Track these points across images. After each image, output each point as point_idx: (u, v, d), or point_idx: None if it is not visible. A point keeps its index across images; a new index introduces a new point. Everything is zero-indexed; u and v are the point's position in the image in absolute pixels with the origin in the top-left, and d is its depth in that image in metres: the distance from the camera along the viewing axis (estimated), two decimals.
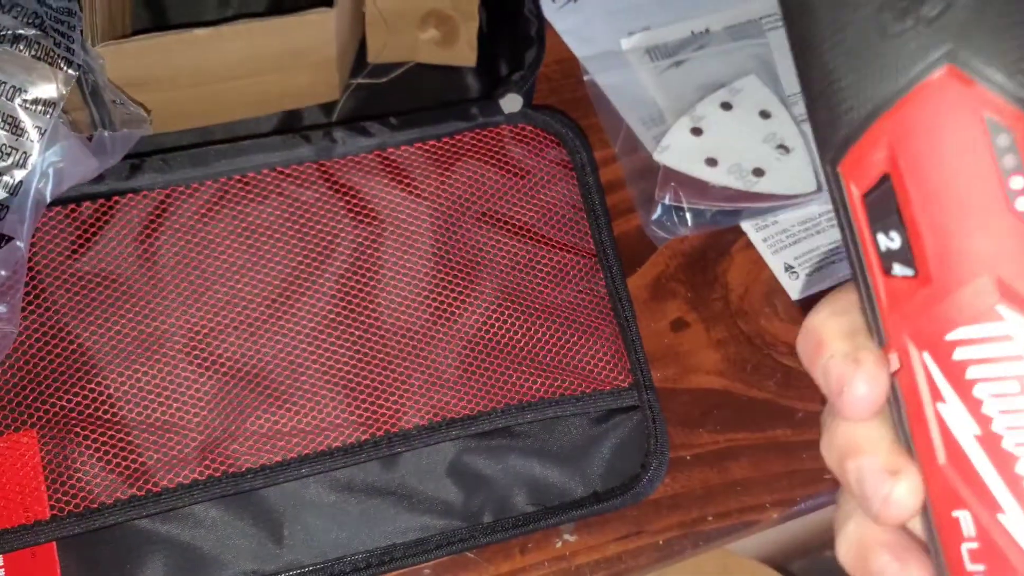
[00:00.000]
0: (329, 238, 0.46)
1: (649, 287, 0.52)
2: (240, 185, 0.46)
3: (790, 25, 0.21)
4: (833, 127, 0.20)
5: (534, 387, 0.45)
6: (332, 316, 0.45)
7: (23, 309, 0.43)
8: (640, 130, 0.55)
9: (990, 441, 0.19)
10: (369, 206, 0.47)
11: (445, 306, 0.46)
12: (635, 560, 0.46)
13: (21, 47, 0.38)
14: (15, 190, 0.39)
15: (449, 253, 0.47)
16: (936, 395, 0.20)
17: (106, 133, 0.42)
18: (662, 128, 0.54)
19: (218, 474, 0.42)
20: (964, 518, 0.20)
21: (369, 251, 0.46)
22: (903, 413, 0.21)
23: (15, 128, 0.38)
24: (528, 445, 0.45)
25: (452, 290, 0.46)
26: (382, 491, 0.44)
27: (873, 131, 0.19)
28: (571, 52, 0.57)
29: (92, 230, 0.45)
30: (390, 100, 0.54)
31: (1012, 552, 0.19)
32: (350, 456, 0.43)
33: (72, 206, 0.45)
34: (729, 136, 0.53)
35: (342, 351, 0.45)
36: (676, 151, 0.53)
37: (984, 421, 0.19)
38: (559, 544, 0.46)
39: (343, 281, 0.46)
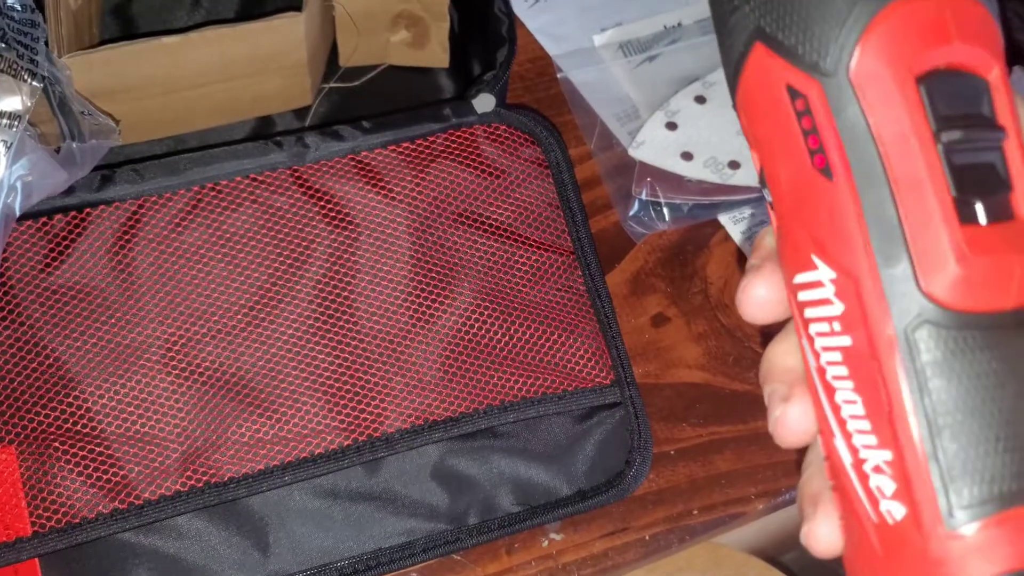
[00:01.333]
0: (305, 244, 0.46)
1: (628, 283, 0.52)
2: (213, 193, 0.46)
3: None
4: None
5: (516, 387, 0.45)
6: (311, 322, 0.45)
7: None
8: (615, 126, 0.55)
9: (821, 374, 0.22)
10: (344, 211, 0.47)
11: (424, 308, 0.46)
12: (622, 556, 0.46)
13: None
14: None
15: (426, 255, 0.47)
16: (800, 332, 0.23)
17: (75, 144, 0.41)
18: (637, 124, 0.54)
19: (201, 484, 0.42)
20: (819, 441, 0.23)
21: (346, 256, 0.46)
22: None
23: None
24: (512, 445, 0.45)
25: (430, 292, 0.46)
26: (366, 496, 0.44)
27: (737, 100, 0.22)
28: (544, 50, 0.57)
29: (65, 243, 0.44)
30: (363, 103, 0.54)
31: (840, 470, 0.22)
32: (333, 462, 0.43)
33: (43, 220, 0.44)
34: (704, 130, 0.53)
35: (322, 357, 0.44)
36: (651, 146, 0.53)
37: (816, 356, 0.22)
38: (545, 543, 0.46)
39: (320, 287, 0.45)
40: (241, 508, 0.43)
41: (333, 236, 0.46)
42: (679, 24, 0.58)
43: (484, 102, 0.49)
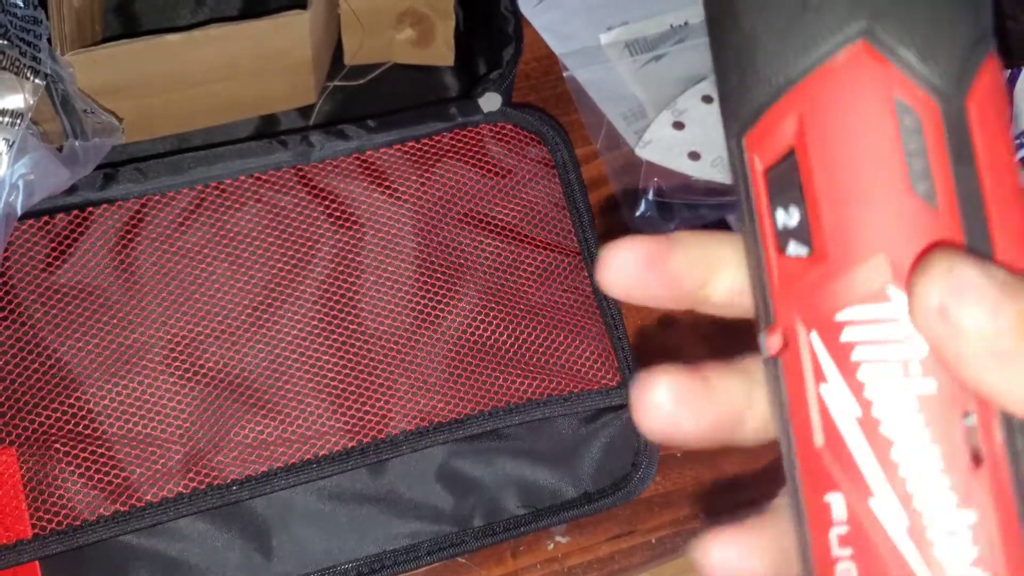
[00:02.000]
0: (309, 244, 0.45)
1: None
2: (217, 192, 0.46)
3: None
4: (743, 98, 0.20)
5: (521, 388, 0.45)
6: (315, 322, 0.44)
7: None
8: (621, 125, 0.54)
9: (869, 424, 0.19)
10: (349, 210, 0.46)
11: (429, 309, 0.45)
12: (628, 560, 0.45)
13: None
14: None
15: (431, 255, 0.46)
16: (819, 375, 0.19)
17: (77, 143, 0.41)
18: (644, 123, 0.54)
19: (203, 486, 0.42)
20: (835, 502, 0.20)
21: (350, 255, 0.46)
22: (784, 395, 0.20)
23: None
24: (517, 447, 0.45)
25: (436, 292, 0.46)
26: (371, 498, 0.43)
27: (783, 103, 0.19)
28: (550, 49, 0.57)
29: (67, 242, 0.44)
30: (368, 102, 0.54)
31: (878, 536, 0.19)
32: (337, 464, 0.43)
33: (46, 218, 0.44)
34: (711, 129, 0.53)
35: (326, 357, 0.44)
36: (658, 146, 0.53)
37: (866, 404, 0.19)
38: (551, 546, 0.45)
39: (325, 287, 0.45)
40: (244, 510, 0.42)
41: (338, 236, 0.46)
42: (686, 23, 0.58)
43: (490, 101, 0.48)
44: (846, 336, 0.19)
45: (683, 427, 0.21)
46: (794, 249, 0.19)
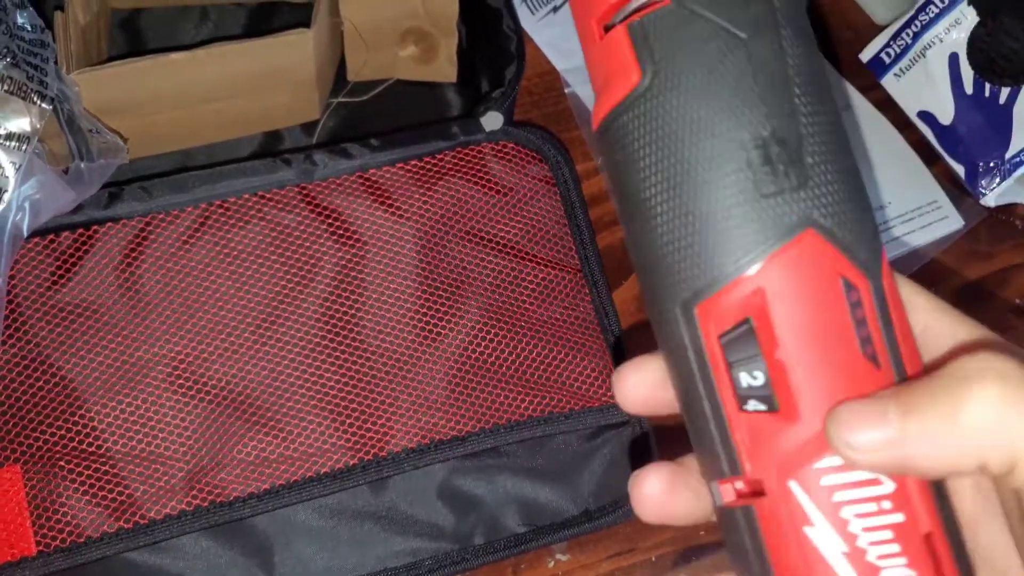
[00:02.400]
0: (312, 261, 0.46)
1: (635, 300, 0.52)
2: (221, 211, 0.46)
3: (649, 174, 0.22)
4: (694, 272, 0.21)
5: (523, 406, 0.45)
6: (317, 340, 0.45)
7: (3, 343, 0.42)
8: None
9: (856, 556, 0.21)
10: (352, 228, 0.47)
11: (431, 326, 0.46)
12: None
13: None
14: None
15: (433, 273, 0.47)
16: (804, 520, 0.21)
17: (83, 164, 0.41)
18: None
19: (206, 504, 0.42)
20: None
21: (353, 273, 0.46)
22: (760, 539, 0.22)
23: None
24: (518, 464, 0.45)
25: (438, 310, 0.46)
26: (372, 515, 0.44)
27: (744, 279, 0.21)
28: (552, 65, 0.57)
29: (71, 261, 0.44)
30: (371, 118, 0.54)
31: None
32: (339, 481, 0.43)
33: (51, 237, 0.44)
34: None
35: (328, 375, 0.44)
36: None
37: (850, 539, 0.21)
38: (551, 564, 0.45)
39: (328, 304, 0.45)
40: (246, 527, 0.43)
41: (340, 253, 0.46)
42: None
43: (492, 120, 0.48)
44: (826, 482, 0.21)
45: (676, 512, 0.24)
46: (756, 406, 0.22)
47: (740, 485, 0.22)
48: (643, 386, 0.24)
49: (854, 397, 0.21)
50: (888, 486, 0.21)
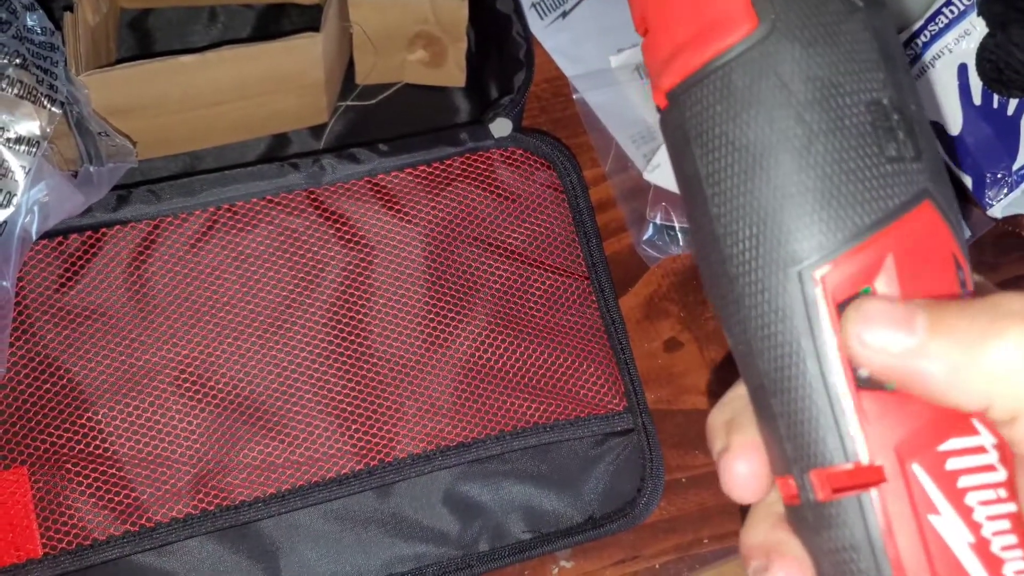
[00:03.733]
0: (320, 266, 0.46)
1: (642, 307, 0.52)
2: (229, 214, 0.46)
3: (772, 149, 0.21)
4: (818, 231, 0.20)
5: (528, 412, 0.45)
6: (324, 345, 0.45)
7: (11, 344, 0.42)
8: (630, 148, 0.55)
9: (982, 547, 0.20)
10: (360, 233, 0.47)
11: (438, 332, 0.46)
12: None
13: (3, 86, 0.38)
14: (0, 229, 0.38)
15: (441, 279, 0.47)
16: (929, 507, 0.20)
17: (92, 168, 0.41)
18: (652, 146, 0.54)
19: (212, 507, 0.42)
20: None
21: (361, 278, 0.46)
22: (873, 530, 0.20)
23: None
24: (523, 471, 0.45)
25: (444, 316, 0.46)
26: (377, 521, 0.44)
27: (867, 245, 0.20)
28: (560, 71, 0.57)
29: (80, 263, 0.44)
30: (379, 121, 0.54)
31: None
32: (345, 486, 0.43)
33: (59, 239, 0.44)
34: None
35: (335, 380, 0.44)
36: (667, 169, 0.53)
37: (975, 528, 0.20)
38: (556, 570, 0.46)
39: (335, 309, 0.45)
40: (252, 531, 0.43)
41: (348, 258, 0.46)
42: None
43: (501, 127, 0.48)
44: (952, 465, 0.20)
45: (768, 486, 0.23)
46: (873, 383, 0.20)
47: (852, 473, 0.20)
48: (756, 477, 0.23)
49: None
50: (1002, 473, 0.20)
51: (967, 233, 0.54)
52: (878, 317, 0.20)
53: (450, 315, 0.46)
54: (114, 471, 0.42)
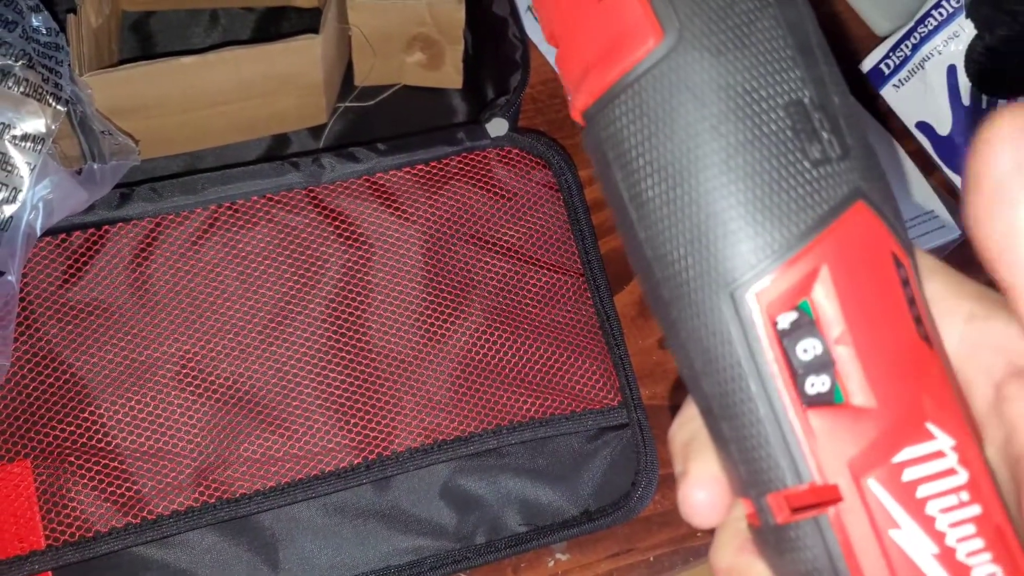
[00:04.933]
0: (319, 263, 0.47)
1: (636, 304, 0.53)
2: (230, 212, 0.47)
3: (690, 175, 0.19)
4: (745, 249, 0.19)
5: (525, 407, 0.46)
6: (323, 340, 0.45)
7: (15, 339, 0.43)
8: None
9: (947, 557, 0.19)
10: (358, 230, 0.47)
11: (435, 328, 0.47)
12: None
13: (9, 84, 0.38)
14: (5, 225, 0.39)
15: (438, 276, 0.47)
16: (889, 522, 0.19)
17: (95, 165, 0.42)
18: None
19: (213, 500, 0.43)
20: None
21: (359, 275, 0.47)
22: (834, 550, 0.20)
23: (5, 164, 0.38)
24: (520, 465, 0.46)
25: (442, 312, 0.47)
26: (376, 514, 0.44)
27: (798, 258, 0.19)
28: (556, 72, 0.58)
29: (83, 260, 0.45)
30: (378, 122, 0.55)
31: None
32: (343, 480, 0.44)
33: (63, 236, 0.45)
34: None
35: (334, 375, 0.45)
36: None
37: (939, 537, 0.19)
38: (551, 563, 0.46)
39: (334, 305, 0.46)
40: (252, 524, 0.43)
41: (347, 255, 0.47)
42: None
43: (497, 126, 0.49)
44: (908, 475, 0.19)
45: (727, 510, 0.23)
46: (819, 399, 0.19)
47: (806, 495, 0.19)
48: (714, 506, 0.22)
49: (920, 382, 0.19)
50: (962, 475, 0.19)
51: (955, 233, 0.55)
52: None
53: (447, 311, 0.47)
54: (116, 464, 0.42)
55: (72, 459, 0.42)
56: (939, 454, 0.19)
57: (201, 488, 0.43)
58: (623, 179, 0.20)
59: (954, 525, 0.19)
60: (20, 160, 0.39)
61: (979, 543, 0.19)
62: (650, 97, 0.19)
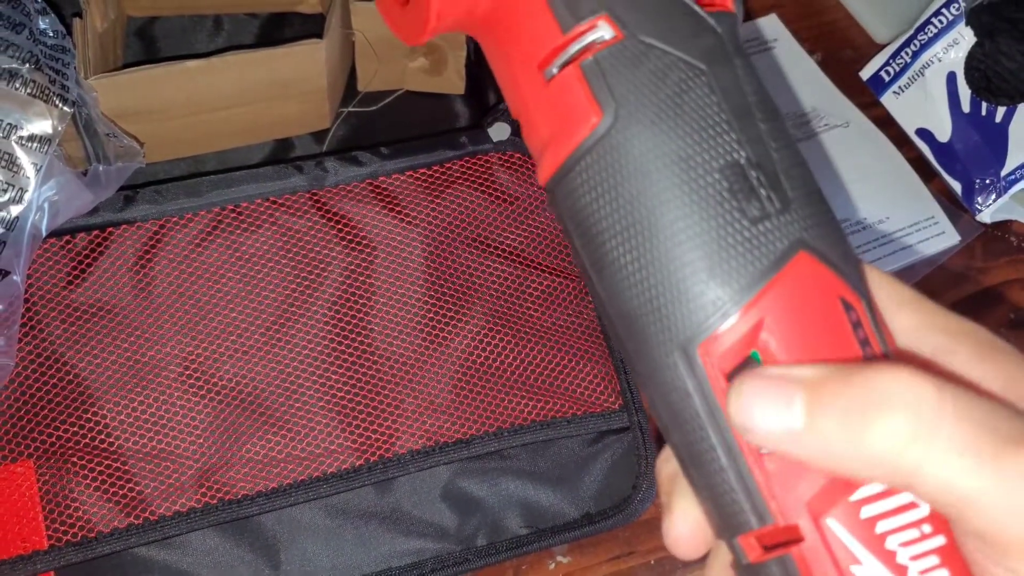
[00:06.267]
0: (322, 266, 0.47)
1: None
2: (233, 215, 0.47)
3: (628, 230, 0.21)
4: (692, 310, 0.20)
5: (526, 410, 0.46)
6: (326, 342, 0.46)
7: (20, 340, 0.43)
8: None
9: None
10: (361, 234, 0.48)
11: (437, 331, 0.47)
12: None
13: (17, 85, 0.39)
14: (11, 225, 0.39)
15: (440, 279, 0.48)
16: (850, 559, 0.20)
17: (100, 167, 0.42)
18: None
19: (215, 501, 0.43)
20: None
21: (361, 278, 0.47)
22: None
23: (11, 165, 0.39)
24: (521, 468, 0.46)
25: (444, 315, 0.47)
26: (377, 516, 0.45)
27: (744, 312, 0.20)
28: None
29: (87, 261, 0.45)
30: (381, 127, 0.55)
31: None
32: (345, 481, 0.44)
33: (67, 238, 0.45)
34: None
35: (336, 377, 0.45)
36: None
37: (901, 571, 0.20)
38: (552, 566, 0.46)
39: (336, 308, 0.46)
40: (254, 525, 0.43)
41: (350, 258, 0.47)
42: None
43: (499, 131, 0.50)
44: (866, 512, 0.20)
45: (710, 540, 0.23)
46: None
47: (770, 535, 0.20)
48: (696, 542, 0.23)
49: None
50: (923, 508, 0.20)
51: (955, 239, 0.55)
52: (755, 399, 0.19)
53: (449, 314, 0.47)
54: (119, 465, 0.43)
55: (75, 459, 0.42)
56: (897, 490, 0.20)
57: (203, 489, 0.43)
58: (582, 246, 0.22)
59: (916, 558, 0.20)
60: (26, 161, 0.39)
61: (944, 573, 0.20)
62: (597, 171, 0.21)
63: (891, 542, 0.20)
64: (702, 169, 0.20)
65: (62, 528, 0.41)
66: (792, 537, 0.20)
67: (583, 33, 0.21)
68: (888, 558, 0.20)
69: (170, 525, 0.42)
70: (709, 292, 0.20)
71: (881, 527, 0.20)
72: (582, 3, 0.21)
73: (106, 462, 0.42)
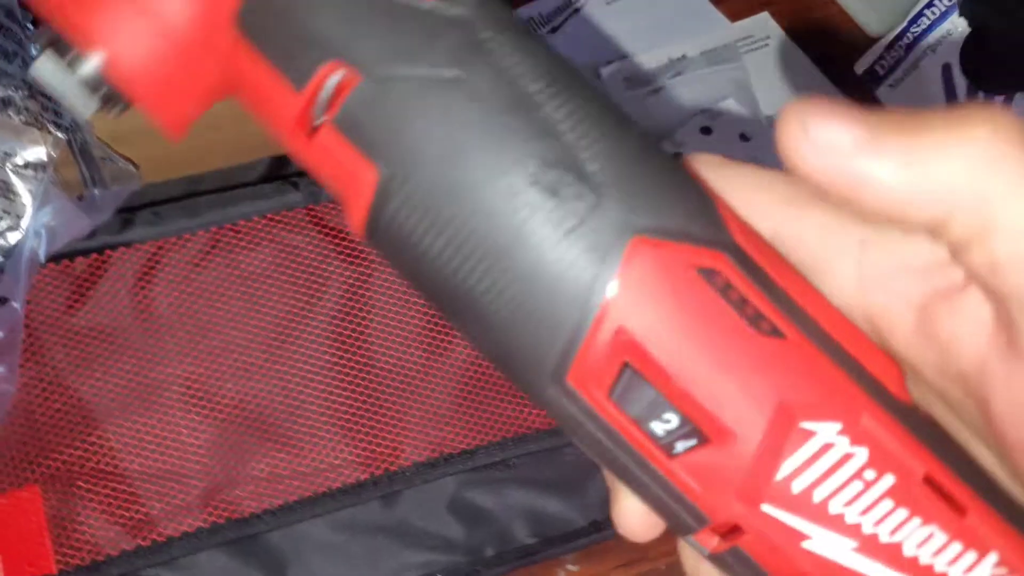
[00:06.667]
0: (321, 281, 0.47)
1: None
2: (231, 233, 0.47)
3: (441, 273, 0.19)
4: (546, 341, 0.19)
5: (530, 418, 0.46)
6: (327, 357, 0.46)
7: (21, 365, 0.43)
8: None
9: (870, 545, 0.19)
10: (359, 247, 0.48)
11: (438, 341, 0.47)
12: None
13: (11, 113, 0.39)
14: (9, 252, 0.40)
15: None
16: (798, 537, 0.19)
17: (96, 191, 0.42)
18: None
19: (222, 520, 0.43)
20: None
21: (361, 291, 0.47)
22: (759, 571, 0.20)
23: (7, 192, 0.39)
24: (526, 476, 0.46)
25: (444, 326, 0.47)
26: (384, 529, 0.44)
27: (596, 327, 0.18)
28: None
29: (86, 285, 0.45)
30: None
31: None
32: (351, 496, 0.44)
33: (65, 262, 0.45)
34: None
35: (339, 391, 0.45)
36: None
37: (854, 531, 0.19)
38: (562, 574, 0.46)
39: (336, 322, 0.46)
40: (261, 543, 0.43)
41: (348, 272, 0.47)
42: (683, 56, 0.59)
43: None
44: (798, 486, 0.19)
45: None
46: (684, 446, 0.19)
47: (712, 533, 0.19)
48: (644, 524, 0.21)
49: (779, 384, 0.18)
50: (861, 454, 0.19)
51: None
52: (820, 110, 0.17)
53: (449, 324, 0.47)
54: (125, 487, 0.43)
55: (81, 483, 0.42)
56: (825, 447, 0.19)
57: (210, 508, 0.43)
58: (425, 300, 0.20)
59: (866, 511, 0.19)
60: (22, 187, 0.39)
61: (903, 513, 0.19)
62: (398, 229, 0.19)
63: (834, 505, 0.19)
64: (498, 192, 0.18)
65: (70, 552, 0.42)
66: (731, 531, 0.19)
67: (318, 87, 0.18)
68: (836, 523, 0.19)
69: (178, 545, 0.42)
70: (553, 317, 0.18)
71: (819, 494, 0.19)
72: (304, 55, 0.19)
73: (112, 484, 0.43)
